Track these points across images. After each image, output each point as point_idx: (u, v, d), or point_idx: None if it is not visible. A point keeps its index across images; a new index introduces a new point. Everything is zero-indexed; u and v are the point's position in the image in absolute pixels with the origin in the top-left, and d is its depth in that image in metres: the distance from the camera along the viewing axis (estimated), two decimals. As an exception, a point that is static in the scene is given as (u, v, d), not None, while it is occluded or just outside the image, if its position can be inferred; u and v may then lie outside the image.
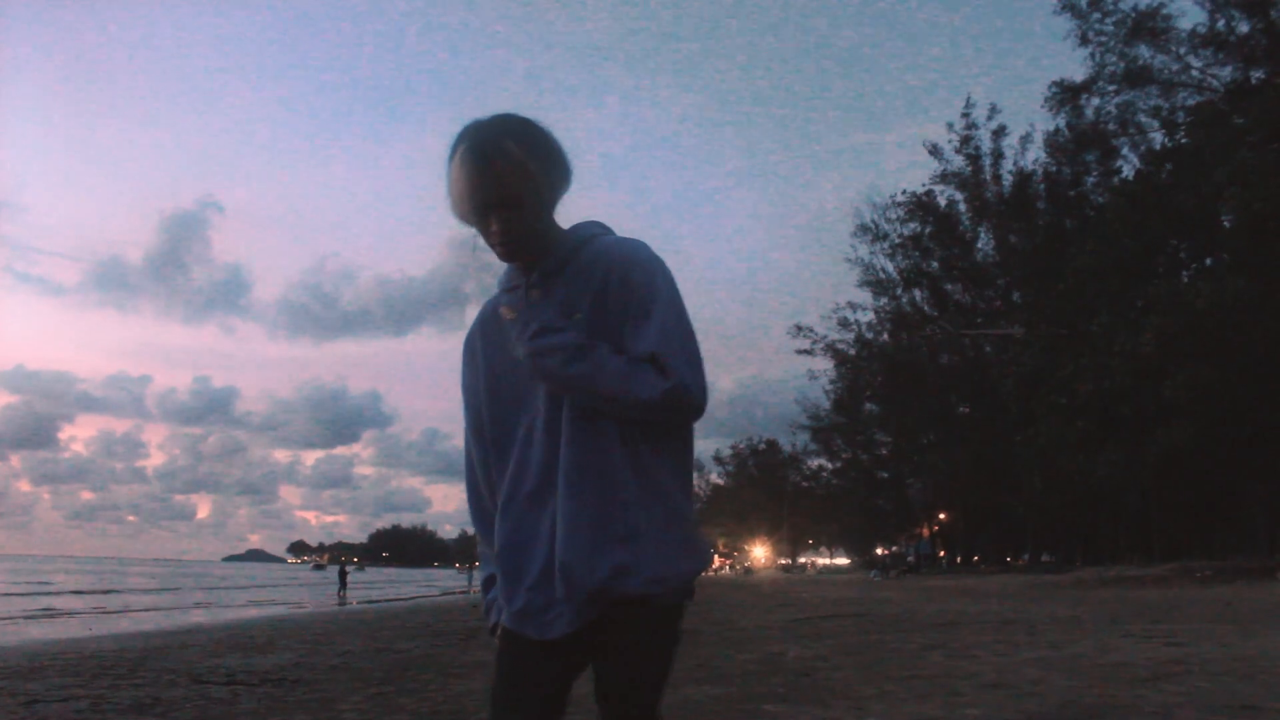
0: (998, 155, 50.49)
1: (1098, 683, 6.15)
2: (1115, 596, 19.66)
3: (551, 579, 1.82)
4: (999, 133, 50.25)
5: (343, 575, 43.51)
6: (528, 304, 1.88)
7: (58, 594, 37.76)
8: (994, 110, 51.25)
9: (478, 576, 2.16)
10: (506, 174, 1.80)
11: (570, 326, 1.84)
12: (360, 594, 42.01)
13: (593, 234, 1.95)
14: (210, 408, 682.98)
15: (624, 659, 1.84)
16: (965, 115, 50.99)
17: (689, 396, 1.80)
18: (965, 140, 50.75)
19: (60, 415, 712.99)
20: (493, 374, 1.98)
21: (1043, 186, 47.25)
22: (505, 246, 1.86)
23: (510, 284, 1.97)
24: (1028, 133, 48.72)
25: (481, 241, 1.91)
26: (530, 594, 1.85)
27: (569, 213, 1.98)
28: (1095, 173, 42.50)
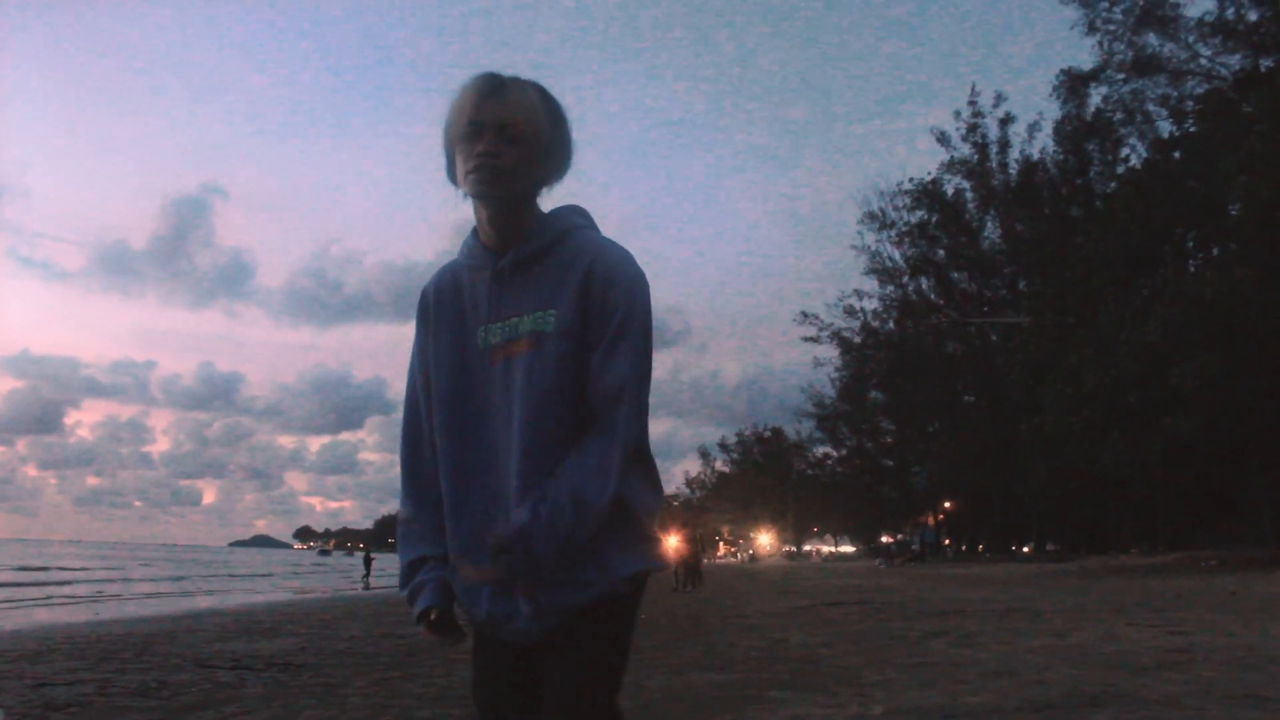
0: (1005, 144, 50.37)
1: (1102, 671, 6.15)
2: (1120, 585, 19.67)
3: (512, 591, 1.76)
4: (1006, 121, 50.16)
5: (368, 561, 44.06)
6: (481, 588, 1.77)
7: (65, 583, 37.85)
8: (999, 99, 51.07)
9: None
10: (515, 104, 1.77)
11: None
12: (377, 579, 42.26)
13: (575, 225, 1.85)
14: (215, 393, 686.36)
15: (580, 656, 1.76)
16: (972, 104, 50.90)
17: (626, 467, 1.75)
18: (972, 129, 50.61)
19: (66, 400, 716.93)
20: (443, 348, 1.88)
21: (1049, 175, 47.08)
22: (481, 172, 1.76)
23: (476, 260, 1.87)
24: (1036, 121, 48.61)
25: (464, 198, 1.83)
26: (492, 604, 1.80)
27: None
28: (1097, 162, 42.38)
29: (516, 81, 1.79)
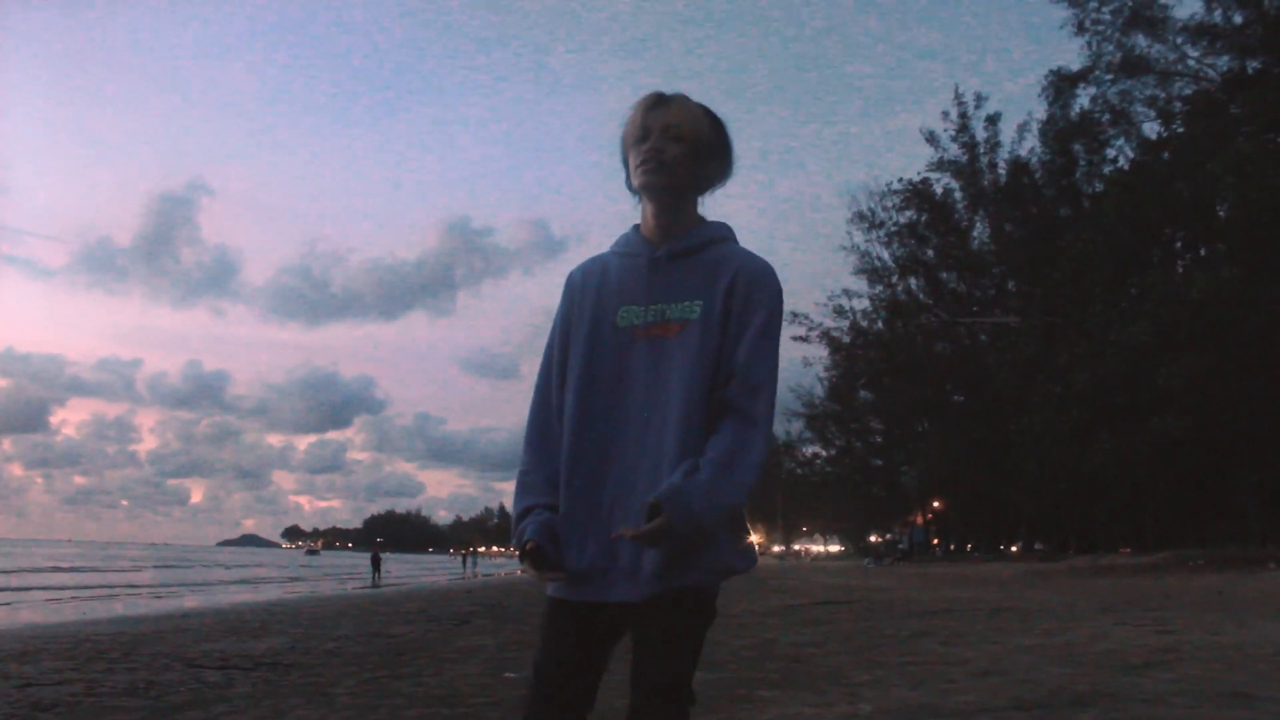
0: (994, 144, 50.42)
1: (1090, 670, 6.17)
2: (1108, 584, 19.74)
3: (616, 548, 1.92)
4: (993, 121, 50.19)
5: (376, 560, 44.10)
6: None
7: (51, 589, 37.68)
8: (980, 99, 51.01)
9: (515, 499, 2.10)
10: (677, 110, 2.04)
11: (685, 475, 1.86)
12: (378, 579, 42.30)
13: (725, 236, 2.08)
14: (202, 392, 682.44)
15: (666, 636, 1.90)
16: (960, 103, 50.95)
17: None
18: (961, 128, 50.66)
19: (51, 399, 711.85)
20: (584, 325, 2.06)
21: (1038, 175, 47.14)
22: (647, 163, 2.01)
23: (633, 249, 2.08)
24: (1025, 121, 48.65)
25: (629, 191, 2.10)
26: (595, 557, 1.95)
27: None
28: (1083, 163, 42.52)
29: (679, 95, 2.07)
